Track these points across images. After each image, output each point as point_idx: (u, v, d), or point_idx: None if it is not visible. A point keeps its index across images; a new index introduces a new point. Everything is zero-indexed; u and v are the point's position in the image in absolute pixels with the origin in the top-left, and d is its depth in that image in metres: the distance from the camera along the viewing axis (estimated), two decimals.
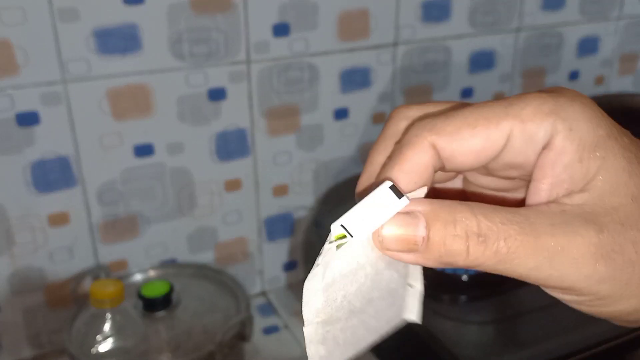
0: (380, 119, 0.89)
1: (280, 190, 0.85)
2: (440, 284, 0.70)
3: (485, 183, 0.30)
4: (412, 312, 0.26)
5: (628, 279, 0.23)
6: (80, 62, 0.68)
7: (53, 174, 0.71)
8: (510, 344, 0.61)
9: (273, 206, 0.86)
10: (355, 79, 0.84)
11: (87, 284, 0.76)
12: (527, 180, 0.26)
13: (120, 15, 0.68)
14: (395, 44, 0.85)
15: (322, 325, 0.28)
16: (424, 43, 0.87)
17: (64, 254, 0.75)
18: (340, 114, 0.85)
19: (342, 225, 0.27)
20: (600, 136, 0.24)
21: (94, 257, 0.77)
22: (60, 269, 0.75)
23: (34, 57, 0.66)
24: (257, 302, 0.89)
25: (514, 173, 0.27)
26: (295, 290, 0.91)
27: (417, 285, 0.27)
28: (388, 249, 0.25)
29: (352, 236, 0.26)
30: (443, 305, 0.65)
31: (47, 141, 0.69)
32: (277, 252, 0.89)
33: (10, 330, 0.75)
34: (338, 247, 0.27)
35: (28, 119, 0.68)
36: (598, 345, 0.63)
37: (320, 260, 0.28)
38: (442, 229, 0.24)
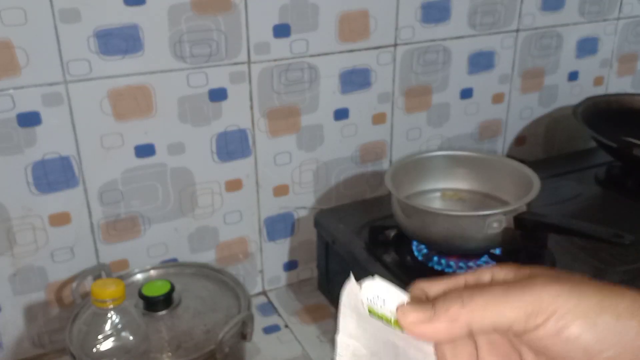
0: (380, 120, 0.89)
1: (281, 190, 0.86)
2: None
3: None
4: None
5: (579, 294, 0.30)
6: (82, 63, 0.68)
7: (54, 175, 0.71)
8: None
9: (273, 206, 0.86)
10: (355, 79, 0.84)
11: (88, 284, 0.76)
12: None
13: (121, 16, 0.68)
14: (395, 45, 0.85)
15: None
16: (424, 44, 0.87)
17: (65, 254, 0.75)
18: (341, 114, 0.86)
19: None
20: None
21: (95, 257, 0.77)
22: (62, 268, 0.75)
23: (35, 58, 0.66)
24: (258, 301, 0.89)
25: None
26: (296, 289, 0.91)
27: None
28: (410, 322, 0.32)
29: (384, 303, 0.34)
30: None
31: (49, 141, 0.69)
32: (278, 252, 0.90)
33: (12, 330, 0.76)
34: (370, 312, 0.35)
35: (29, 120, 0.68)
36: None
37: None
38: (442, 296, 0.32)
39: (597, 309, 0.29)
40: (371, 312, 0.34)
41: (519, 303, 0.30)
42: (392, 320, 0.33)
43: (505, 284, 0.32)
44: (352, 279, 0.35)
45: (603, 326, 0.29)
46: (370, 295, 0.34)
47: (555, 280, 0.31)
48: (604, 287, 0.30)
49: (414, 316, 0.32)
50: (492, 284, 0.32)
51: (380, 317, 0.34)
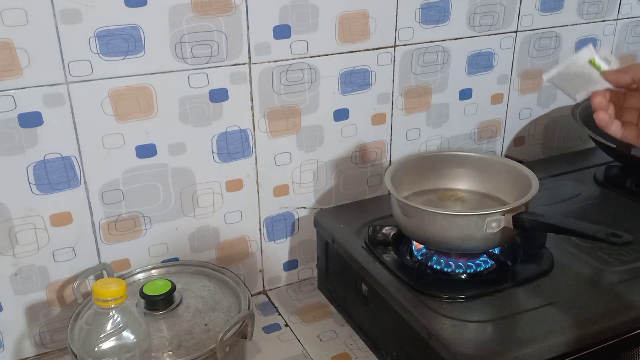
0: (380, 120, 0.89)
1: (281, 190, 0.86)
2: (440, 284, 0.71)
3: None
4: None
5: None
6: (83, 64, 0.68)
7: (55, 175, 0.71)
8: (509, 343, 0.61)
9: (274, 206, 0.87)
10: (355, 80, 0.85)
11: (89, 283, 0.76)
12: None
13: (122, 17, 0.68)
14: (394, 46, 0.86)
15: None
16: (423, 45, 0.88)
17: (66, 254, 0.75)
18: (340, 114, 0.86)
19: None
20: None
21: (97, 256, 0.77)
22: (63, 268, 0.76)
23: (37, 59, 0.66)
24: (258, 300, 0.89)
25: None
26: (296, 289, 0.92)
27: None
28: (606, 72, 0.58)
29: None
30: (443, 304, 0.66)
31: (50, 142, 0.70)
32: (278, 252, 0.90)
33: (13, 329, 0.76)
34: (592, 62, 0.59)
35: (31, 120, 0.68)
36: (594, 345, 0.64)
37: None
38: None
39: None
40: (591, 62, 0.58)
41: None
42: (601, 70, 0.58)
43: None
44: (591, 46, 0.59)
45: None
46: (600, 55, 0.58)
47: None
48: None
49: (609, 71, 0.58)
50: None
51: (595, 66, 0.58)
